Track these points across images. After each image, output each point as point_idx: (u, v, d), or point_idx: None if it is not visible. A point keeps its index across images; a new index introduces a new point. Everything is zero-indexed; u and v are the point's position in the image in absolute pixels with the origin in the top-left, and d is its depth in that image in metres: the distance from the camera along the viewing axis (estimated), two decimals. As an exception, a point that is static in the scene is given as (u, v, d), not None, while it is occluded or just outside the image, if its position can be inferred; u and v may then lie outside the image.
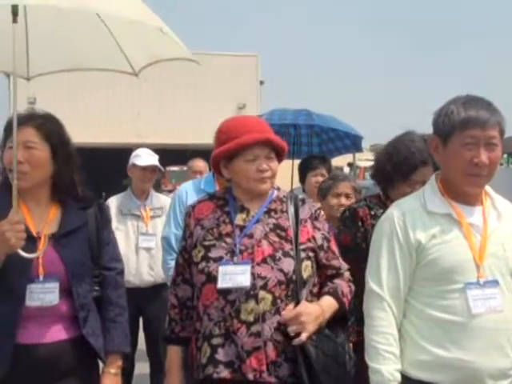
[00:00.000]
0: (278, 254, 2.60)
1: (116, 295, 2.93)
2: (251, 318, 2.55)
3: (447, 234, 2.43)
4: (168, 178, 28.53)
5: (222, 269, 2.61)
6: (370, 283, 2.50)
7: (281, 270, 2.58)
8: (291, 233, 2.66)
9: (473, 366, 2.34)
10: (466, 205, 2.49)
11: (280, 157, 2.76)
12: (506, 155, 13.81)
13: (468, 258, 2.40)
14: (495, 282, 2.41)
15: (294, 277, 2.58)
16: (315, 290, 2.71)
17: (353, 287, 2.75)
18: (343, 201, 4.12)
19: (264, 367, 2.53)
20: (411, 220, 2.46)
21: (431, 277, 2.42)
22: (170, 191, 15.55)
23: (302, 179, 5.35)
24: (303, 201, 2.80)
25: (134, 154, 5.35)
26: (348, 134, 6.55)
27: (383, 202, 3.26)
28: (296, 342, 2.51)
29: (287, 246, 2.63)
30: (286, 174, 5.26)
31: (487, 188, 2.56)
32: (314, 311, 2.56)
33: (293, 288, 2.58)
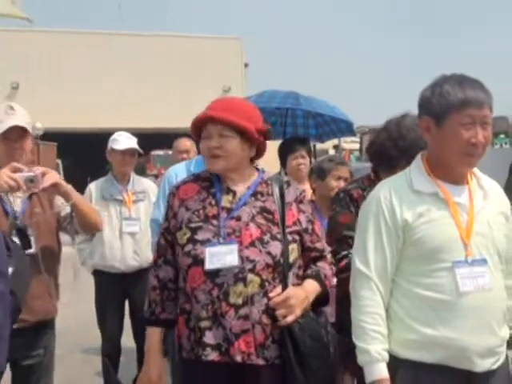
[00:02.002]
0: (266, 237, 2.60)
1: None
2: (240, 301, 2.55)
3: (434, 212, 2.42)
4: (153, 163, 28.47)
5: (208, 250, 2.60)
6: (357, 263, 2.49)
7: (269, 253, 2.58)
8: (278, 216, 2.67)
9: (460, 344, 2.35)
10: (453, 184, 2.48)
11: (244, 136, 2.68)
12: (490, 136, 13.82)
13: (455, 237, 2.39)
14: (483, 261, 2.41)
15: (281, 260, 2.60)
16: (300, 272, 2.73)
17: (334, 269, 2.82)
18: (342, 184, 4.13)
19: (252, 349, 2.55)
20: (398, 199, 2.45)
21: (418, 256, 2.41)
22: (156, 176, 15.52)
23: (283, 163, 5.19)
24: (288, 183, 2.80)
25: (112, 138, 5.27)
26: (336, 119, 6.49)
27: (375, 183, 3.24)
28: (282, 323, 2.52)
29: (274, 229, 2.63)
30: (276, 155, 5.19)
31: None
32: (300, 296, 2.59)
33: (280, 271, 2.60)
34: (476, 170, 2.56)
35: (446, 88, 2.40)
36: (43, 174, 3.10)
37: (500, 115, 12.59)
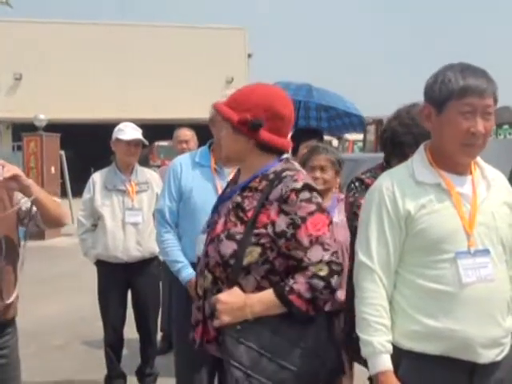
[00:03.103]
0: (222, 235, 2.53)
1: None
2: (200, 293, 2.62)
3: (436, 203, 2.40)
4: (156, 153, 28.51)
5: (199, 237, 2.75)
6: (360, 255, 2.47)
7: (218, 252, 2.52)
8: (251, 215, 2.51)
9: (464, 335, 2.33)
10: (456, 174, 2.46)
11: (233, 127, 2.62)
12: (494, 127, 13.70)
13: (458, 228, 2.37)
14: (486, 251, 2.39)
15: (230, 261, 2.49)
16: (276, 278, 2.49)
17: (320, 284, 2.38)
18: (318, 174, 4.08)
19: (199, 340, 2.63)
20: (400, 190, 2.43)
21: (421, 247, 2.40)
22: (159, 166, 15.52)
23: (294, 151, 5.26)
24: (281, 180, 2.52)
25: (117, 128, 5.24)
26: (348, 114, 6.49)
27: None
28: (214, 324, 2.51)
29: (238, 228, 2.51)
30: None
31: (477, 157, 2.53)
32: (234, 302, 2.44)
33: (230, 272, 2.50)
34: (480, 160, 2.54)
35: (448, 75, 2.39)
36: (2, 166, 2.97)
37: (504, 105, 12.53)
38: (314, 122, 6.73)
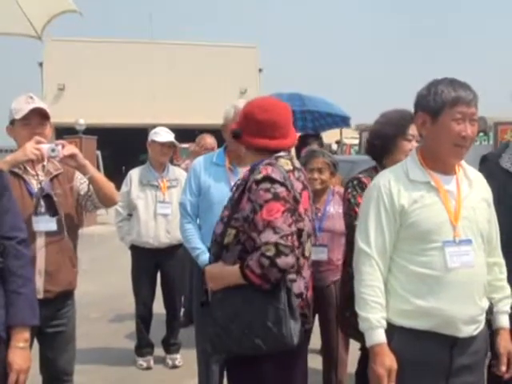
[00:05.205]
0: (219, 219, 2.67)
1: (18, 265, 2.45)
2: None
3: (427, 199, 2.41)
4: (179, 154, 28.51)
5: None
6: (360, 243, 2.49)
7: (214, 232, 2.68)
8: (233, 202, 2.63)
9: (448, 313, 2.35)
10: (443, 174, 2.47)
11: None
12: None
13: (445, 220, 2.39)
14: (469, 241, 2.41)
15: (218, 239, 2.61)
16: (247, 256, 2.52)
17: (266, 262, 2.35)
18: (316, 175, 4.07)
19: None
20: (396, 187, 2.45)
21: (413, 237, 2.41)
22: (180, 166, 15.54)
23: (298, 155, 5.32)
24: (253, 171, 2.58)
25: (153, 131, 5.33)
26: (333, 114, 6.57)
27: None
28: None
29: (226, 213, 2.63)
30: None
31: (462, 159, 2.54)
32: (212, 271, 2.61)
33: (217, 248, 2.63)
34: (463, 162, 2.55)
35: (440, 88, 2.41)
36: (63, 146, 3.01)
37: (479, 116, 12.56)
38: (300, 122, 6.82)
